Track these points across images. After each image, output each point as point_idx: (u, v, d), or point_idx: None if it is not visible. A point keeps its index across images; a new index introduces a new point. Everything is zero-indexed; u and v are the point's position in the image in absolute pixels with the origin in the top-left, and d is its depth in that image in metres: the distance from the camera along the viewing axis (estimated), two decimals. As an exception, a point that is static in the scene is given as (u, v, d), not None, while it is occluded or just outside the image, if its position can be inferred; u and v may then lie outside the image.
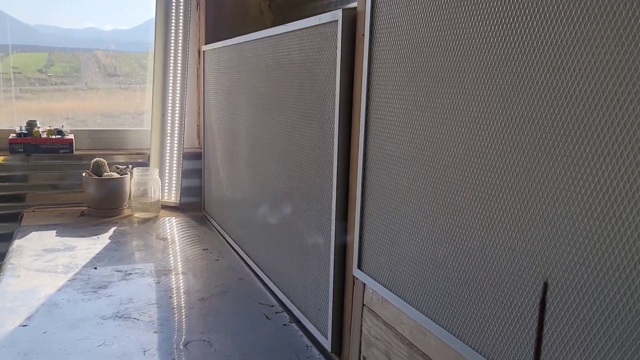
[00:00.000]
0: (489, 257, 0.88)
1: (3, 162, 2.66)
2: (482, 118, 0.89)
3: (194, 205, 2.98)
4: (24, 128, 2.70)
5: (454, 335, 0.97)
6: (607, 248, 0.68)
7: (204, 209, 2.87)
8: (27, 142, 2.67)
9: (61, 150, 2.72)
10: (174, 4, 2.79)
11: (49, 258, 2.08)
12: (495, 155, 0.86)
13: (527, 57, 0.79)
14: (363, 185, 1.29)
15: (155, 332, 1.53)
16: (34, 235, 2.34)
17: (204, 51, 2.70)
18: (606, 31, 0.67)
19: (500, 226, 0.85)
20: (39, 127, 2.73)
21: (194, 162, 3.00)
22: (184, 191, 2.98)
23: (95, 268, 2.00)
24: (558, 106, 0.74)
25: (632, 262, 0.65)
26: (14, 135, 2.68)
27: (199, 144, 3.11)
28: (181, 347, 1.46)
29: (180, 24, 2.81)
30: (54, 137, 2.72)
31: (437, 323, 1.01)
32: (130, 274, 1.97)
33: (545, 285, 0.52)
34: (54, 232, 2.40)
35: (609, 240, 0.68)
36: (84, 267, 2.01)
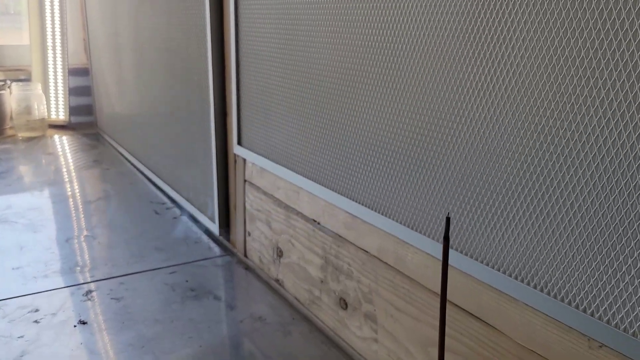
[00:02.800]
0: (347, 119, 0.89)
1: None
2: (344, 13, 0.87)
3: (87, 125, 2.83)
4: None
5: (322, 185, 0.99)
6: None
7: (97, 126, 2.73)
8: None
9: None
10: None
11: None
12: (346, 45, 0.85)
13: None
14: (237, 66, 1.25)
15: (34, 232, 1.46)
16: None
17: (80, -48, 2.48)
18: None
19: (357, 91, 0.86)
20: None
21: (84, 79, 2.82)
22: (77, 110, 2.81)
23: (-30, 182, 1.87)
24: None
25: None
26: None
27: (87, 59, 2.91)
28: (62, 242, 1.40)
29: None
30: None
31: (308, 178, 1.03)
32: (10, 185, 1.85)
33: (448, 220, 0.52)
34: None
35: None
36: (-43, 181, 1.87)
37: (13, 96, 2.48)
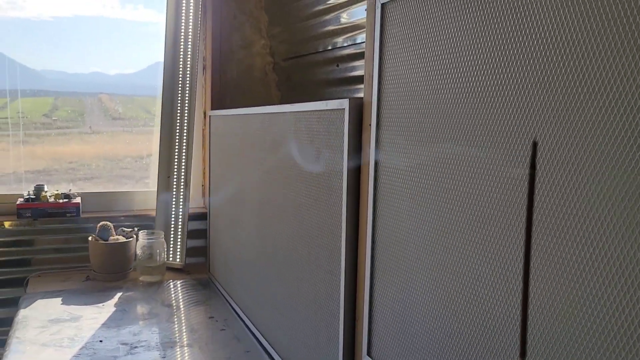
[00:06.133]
0: (501, 347, 0.88)
1: (10, 227, 2.67)
2: (488, 209, 0.90)
3: (198, 267, 2.98)
4: (31, 193, 2.72)
5: None
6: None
7: (209, 270, 2.86)
8: (35, 207, 2.70)
9: (68, 214, 2.74)
10: (180, 70, 2.86)
11: (54, 330, 2.07)
12: (500, 245, 0.87)
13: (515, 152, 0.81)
14: (371, 270, 1.29)
15: (162, 416, 1.51)
16: (39, 303, 2.33)
17: (209, 115, 2.74)
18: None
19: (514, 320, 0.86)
20: (46, 192, 2.75)
21: (199, 223, 3.02)
22: (189, 252, 2.99)
23: (101, 341, 1.99)
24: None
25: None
26: (22, 200, 2.71)
27: (204, 203, 3.13)
28: None
29: (187, 89, 2.87)
30: (61, 201, 2.74)
31: None
32: (135, 347, 1.95)
33: (535, 145, 0.49)
34: (59, 299, 2.39)
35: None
36: (89, 340, 2.00)
37: (139, 243, 2.67)
